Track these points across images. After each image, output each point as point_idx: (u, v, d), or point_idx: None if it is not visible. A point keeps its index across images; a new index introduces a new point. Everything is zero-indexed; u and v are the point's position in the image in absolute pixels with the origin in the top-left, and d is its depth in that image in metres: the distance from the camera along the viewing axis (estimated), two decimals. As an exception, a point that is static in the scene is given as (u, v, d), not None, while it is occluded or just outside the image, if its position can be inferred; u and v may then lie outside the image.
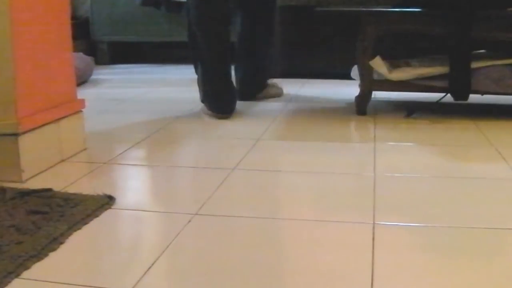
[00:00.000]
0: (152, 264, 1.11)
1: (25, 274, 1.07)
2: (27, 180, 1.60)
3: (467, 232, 1.26)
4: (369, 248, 1.17)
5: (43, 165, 1.69)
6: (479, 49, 2.51)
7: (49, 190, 1.49)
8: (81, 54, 3.45)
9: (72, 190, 1.51)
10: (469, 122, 2.28)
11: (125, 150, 1.93)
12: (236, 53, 2.78)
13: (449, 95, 2.36)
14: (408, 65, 2.43)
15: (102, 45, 4.43)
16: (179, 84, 3.42)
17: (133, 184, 1.67)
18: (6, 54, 1.55)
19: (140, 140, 2.06)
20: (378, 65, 2.40)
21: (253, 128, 2.24)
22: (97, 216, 1.35)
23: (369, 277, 1.05)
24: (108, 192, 1.47)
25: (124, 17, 4.25)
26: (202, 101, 2.52)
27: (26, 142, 1.61)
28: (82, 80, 3.33)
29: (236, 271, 1.09)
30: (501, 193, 1.51)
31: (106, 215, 1.37)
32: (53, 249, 1.17)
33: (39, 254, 1.14)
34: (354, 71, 2.56)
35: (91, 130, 2.09)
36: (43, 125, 1.69)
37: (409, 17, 2.35)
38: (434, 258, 1.14)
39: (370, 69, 2.41)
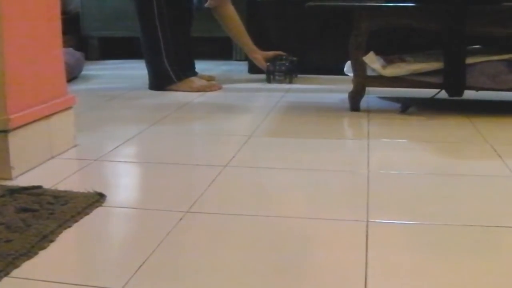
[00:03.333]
0: (143, 263, 1.10)
1: (15, 272, 1.06)
2: (16, 177, 1.59)
3: (462, 230, 1.26)
4: (363, 246, 1.17)
5: (33, 162, 1.67)
6: (474, 45, 2.50)
7: (39, 187, 1.48)
8: (71, 49, 3.43)
9: (62, 187, 1.50)
10: (464, 119, 2.28)
11: (116, 147, 1.92)
12: None
13: (443, 91, 2.35)
14: (402, 60, 2.43)
15: (93, 40, 4.41)
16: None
17: (124, 182, 1.65)
18: (-5, 50, 1.54)
19: (131, 136, 2.05)
20: (372, 60, 2.39)
21: (245, 124, 2.23)
22: (87, 213, 1.34)
23: (363, 276, 1.05)
24: (98, 190, 1.46)
25: (115, 12, 4.24)
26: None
27: (15, 139, 1.59)
28: (72, 76, 3.31)
29: (228, 269, 1.08)
30: (497, 191, 1.51)
31: (96, 212, 1.35)
32: (43, 247, 1.16)
33: (29, 252, 1.13)
34: (348, 67, 2.55)
35: (82, 127, 2.07)
36: (33, 121, 1.67)
37: (403, 12, 2.34)
38: (429, 256, 1.13)
39: (364, 65, 2.40)
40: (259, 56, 3.30)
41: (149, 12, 2.94)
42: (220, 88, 3.04)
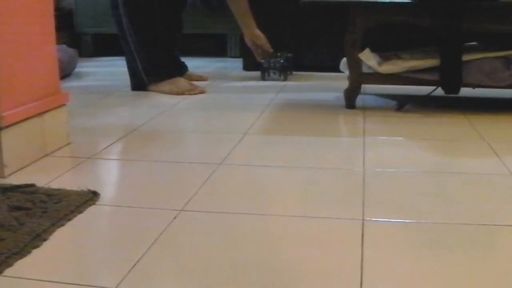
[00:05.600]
0: (137, 262, 1.09)
1: (8, 271, 1.05)
2: (9, 175, 1.57)
3: (458, 228, 1.25)
4: (358, 245, 1.16)
5: (26, 160, 1.66)
6: (471, 41, 2.50)
7: (32, 185, 1.47)
8: (64, 46, 3.42)
9: (55, 185, 1.49)
10: (460, 116, 2.28)
11: (110, 145, 1.91)
12: None
13: (440, 88, 2.35)
14: (398, 57, 2.42)
15: (86, 37, 4.40)
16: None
17: (117, 180, 1.64)
18: (-13, 47, 1.53)
19: (125, 134, 2.04)
20: (368, 57, 2.38)
21: (239, 122, 2.22)
22: (81, 212, 1.33)
23: (359, 275, 1.04)
24: (92, 188, 1.45)
25: (109, 8, 4.20)
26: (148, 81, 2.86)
27: (8, 137, 1.58)
28: (66, 73, 3.30)
29: (223, 268, 1.07)
30: (493, 189, 1.51)
31: (90, 211, 1.35)
32: (36, 246, 1.15)
33: (22, 251, 1.12)
34: (343, 64, 2.54)
35: (75, 124, 2.06)
36: (26, 119, 1.66)
37: (399, 8, 2.34)
38: (425, 255, 1.12)
39: (359, 62, 2.39)
40: (249, 40, 3.19)
41: (116, 11, 2.87)
42: (202, 92, 2.83)
